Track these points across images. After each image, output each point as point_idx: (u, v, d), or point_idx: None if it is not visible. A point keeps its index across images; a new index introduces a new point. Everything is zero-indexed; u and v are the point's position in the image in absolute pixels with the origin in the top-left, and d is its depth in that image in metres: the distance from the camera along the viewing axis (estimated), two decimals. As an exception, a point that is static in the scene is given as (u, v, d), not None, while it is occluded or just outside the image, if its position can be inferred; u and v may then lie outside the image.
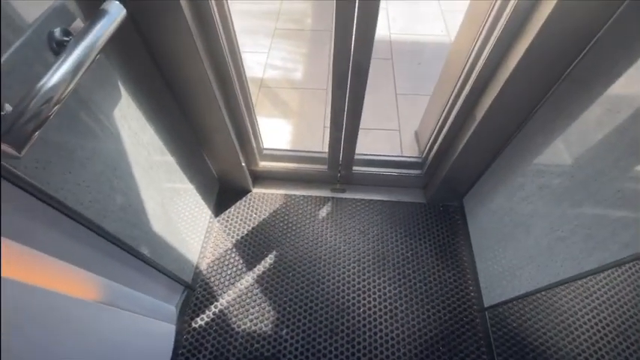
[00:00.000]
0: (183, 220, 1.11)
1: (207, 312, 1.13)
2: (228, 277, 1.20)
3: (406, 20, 2.30)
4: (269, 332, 1.10)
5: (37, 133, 0.44)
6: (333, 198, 1.41)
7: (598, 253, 0.67)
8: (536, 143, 0.90)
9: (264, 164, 1.39)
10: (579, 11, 0.65)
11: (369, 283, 1.20)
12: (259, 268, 1.22)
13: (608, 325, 1.09)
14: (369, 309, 1.15)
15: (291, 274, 1.21)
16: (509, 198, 1.04)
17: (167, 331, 1.01)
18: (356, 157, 1.31)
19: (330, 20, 2.32)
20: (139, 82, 0.79)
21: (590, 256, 0.68)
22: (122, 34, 0.70)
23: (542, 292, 1.15)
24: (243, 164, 1.26)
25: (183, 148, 1.05)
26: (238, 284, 1.19)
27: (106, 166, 0.66)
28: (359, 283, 1.20)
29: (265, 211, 1.36)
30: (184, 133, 1.04)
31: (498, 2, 0.81)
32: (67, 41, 0.53)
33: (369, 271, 1.22)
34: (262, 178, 1.45)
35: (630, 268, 1.15)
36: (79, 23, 0.56)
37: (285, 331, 1.10)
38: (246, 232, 1.31)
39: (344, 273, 1.22)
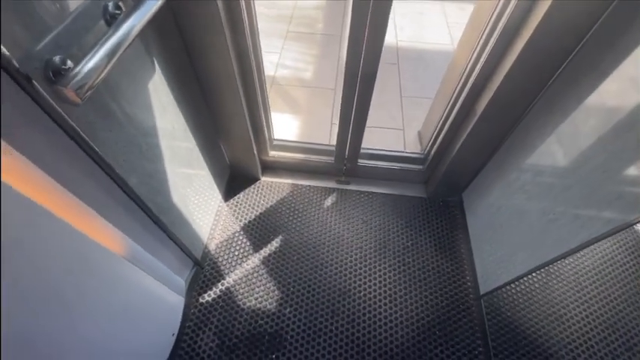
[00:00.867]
0: (197, 200, 1.17)
1: (214, 289, 1.18)
2: (235, 258, 1.25)
3: (413, 29, 2.40)
4: (273, 310, 1.14)
5: (92, 89, 0.51)
6: (338, 189, 1.47)
7: (584, 232, 0.72)
8: (532, 137, 0.97)
9: (273, 154, 1.45)
10: (571, 12, 0.73)
11: (370, 269, 1.25)
12: (265, 251, 1.27)
13: (598, 317, 1.14)
14: (370, 293, 1.19)
15: (295, 257, 1.26)
16: (505, 190, 1.10)
17: (177, 302, 1.06)
18: (361, 151, 1.38)
19: (339, 25, 2.42)
20: (172, 64, 0.86)
21: (577, 235, 0.74)
22: (163, 24, 0.79)
23: (535, 279, 1.20)
24: (255, 152, 1.33)
25: (202, 132, 1.12)
26: (245, 265, 1.24)
27: (137, 131, 0.73)
28: (360, 268, 1.25)
29: (273, 198, 1.42)
30: (204, 119, 1.11)
31: (498, 8, 0.89)
32: (118, 14, 0.61)
33: (370, 258, 1.27)
34: (271, 168, 1.52)
35: (621, 266, 1.21)
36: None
37: (288, 309, 1.15)
38: (253, 217, 1.36)
39: (346, 259, 1.27)
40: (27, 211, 0.48)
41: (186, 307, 1.12)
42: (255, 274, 1.22)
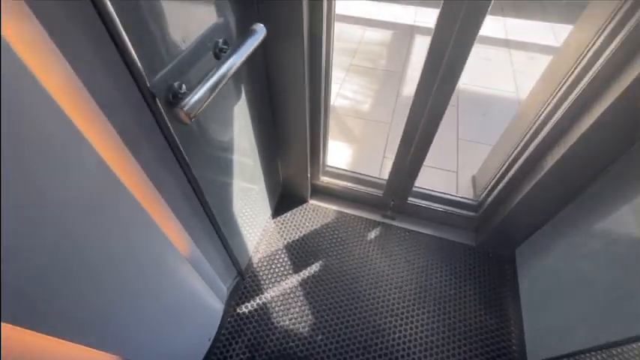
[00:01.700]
0: (250, 214, 1.24)
1: (251, 302, 1.22)
2: (275, 275, 1.29)
3: (478, 73, 2.40)
4: (305, 335, 1.15)
5: (200, 111, 0.59)
6: (382, 223, 1.47)
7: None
8: (606, 201, 0.91)
9: (324, 179, 1.50)
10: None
11: (407, 311, 1.21)
12: (304, 273, 1.30)
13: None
14: (405, 336, 1.15)
15: (333, 285, 1.27)
16: (568, 254, 1.02)
17: (217, 308, 1.11)
18: (413, 188, 1.37)
19: (401, 63, 2.49)
20: (254, 89, 0.96)
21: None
22: (253, 55, 0.89)
23: (594, 359, 1.08)
24: (308, 175, 1.39)
25: (266, 151, 1.20)
26: (283, 283, 1.27)
27: (219, 148, 0.82)
28: (398, 309, 1.22)
29: (318, 222, 1.46)
30: (270, 139, 1.20)
31: (578, 69, 0.88)
32: (226, 49, 0.70)
33: (409, 300, 1.24)
34: (320, 192, 1.56)
35: None
36: (233, 36, 0.74)
37: (320, 337, 1.14)
38: (297, 237, 1.40)
39: (384, 296, 1.25)
40: (131, 206, 0.56)
41: (224, 314, 1.17)
42: (292, 294, 1.24)
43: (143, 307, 0.70)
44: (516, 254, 1.35)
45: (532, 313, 1.14)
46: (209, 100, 0.60)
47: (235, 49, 0.68)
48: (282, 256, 1.35)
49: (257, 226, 1.35)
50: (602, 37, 0.82)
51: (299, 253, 1.36)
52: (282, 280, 1.28)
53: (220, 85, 0.63)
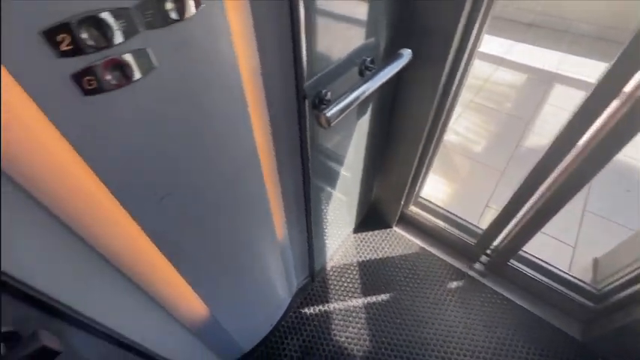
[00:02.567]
0: (336, 221, 1.27)
1: (315, 306, 1.24)
2: (342, 288, 1.29)
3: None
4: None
5: (339, 118, 0.63)
6: (468, 276, 1.33)
7: None
8: None
9: (413, 209, 1.45)
10: None
11: (475, 382, 1.07)
12: (372, 298, 1.26)
13: None
14: (465, 408, 1.02)
15: (398, 321, 1.20)
16: None
17: (285, 298, 1.16)
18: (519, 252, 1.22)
19: (530, 109, 2.25)
20: (380, 104, 0.99)
21: None
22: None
23: None
24: (402, 202, 1.36)
25: (369, 166, 1.22)
26: (348, 300, 1.26)
27: (333, 156, 0.86)
28: (464, 374, 1.08)
29: (398, 251, 1.41)
30: (376, 156, 1.22)
31: None
32: (371, 68, 0.74)
33: (480, 370, 1.09)
34: (407, 221, 1.51)
35: None
36: (380, 56, 0.78)
37: (371, 368, 1.09)
38: (373, 259, 1.38)
39: (452, 354, 1.12)
40: (259, 183, 0.64)
41: (288, 308, 1.22)
42: (353, 314, 1.22)
43: (239, 270, 0.77)
44: (639, 372, 1.06)
45: None
46: (347, 111, 0.65)
47: (380, 69, 0.71)
48: (354, 272, 1.34)
49: (338, 235, 1.37)
50: None
51: (371, 275, 1.33)
52: (348, 295, 1.27)
53: (359, 100, 0.67)
